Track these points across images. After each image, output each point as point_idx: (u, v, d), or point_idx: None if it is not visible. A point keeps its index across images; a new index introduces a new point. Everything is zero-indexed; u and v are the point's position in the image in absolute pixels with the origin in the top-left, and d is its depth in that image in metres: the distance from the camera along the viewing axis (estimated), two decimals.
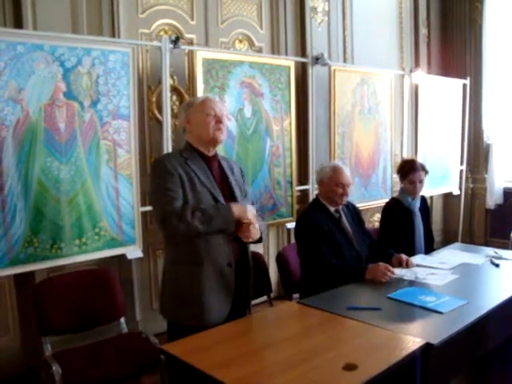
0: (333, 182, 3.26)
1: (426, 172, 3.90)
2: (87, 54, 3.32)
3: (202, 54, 3.89)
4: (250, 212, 2.52)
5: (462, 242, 6.26)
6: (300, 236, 3.26)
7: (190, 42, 4.22)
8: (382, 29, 5.90)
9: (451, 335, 2.32)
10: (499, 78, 6.53)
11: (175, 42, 3.72)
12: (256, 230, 2.52)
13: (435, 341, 2.22)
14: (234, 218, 2.46)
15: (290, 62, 4.51)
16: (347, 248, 3.25)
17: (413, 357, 2.14)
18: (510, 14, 6.38)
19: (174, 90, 4.08)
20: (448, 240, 6.20)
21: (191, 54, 4.05)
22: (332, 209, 3.31)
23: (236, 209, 2.48)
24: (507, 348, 3.37)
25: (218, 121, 2.56)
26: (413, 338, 2.23)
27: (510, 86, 6.51)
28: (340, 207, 3.35)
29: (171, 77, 3.97)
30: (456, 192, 6.51)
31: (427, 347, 2.19)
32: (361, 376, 1.89)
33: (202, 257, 2.48)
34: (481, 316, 2.56)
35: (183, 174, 2.48)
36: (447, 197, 6.77)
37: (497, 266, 3.40)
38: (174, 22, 4.15)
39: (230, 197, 2.63)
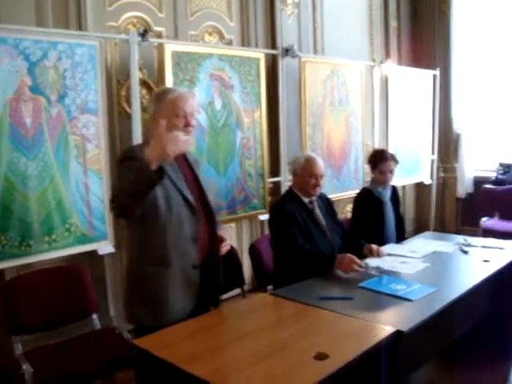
0: (306, 172, 3.27)
1: (396, 162, 3.94)
2: (53, 47, 3.26)
3: (170, 47, 3.86)
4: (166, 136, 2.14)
5: (435, 230, 6.32)
6: (274, 224, 3.27)
7: (159, 35, 4.18)
8: (352, 20, 5.92)
9: (421, 322, 2.36)
10: (468, 69, 6.62)
11: (143, 34, 3.68)
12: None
13: (405, 328, 2.25)
14: (147, 161, 2.07)
15: (259, 54, 4.50)
16: (320, 239, 3.27)
17: (383, 344, 2.17)
18: (477, 6, 6.47)
19: (144, 83, 4.04)
20: (420, 229, 6.27)
21: (160, 47, 4.02)
22: (305, 200, 3.32)
23: (148, 149, 2.12)
24: (475, 334, 3.43)
25: (187, 123, 2.42)
26: (383, 326, 2.26)
27: (479, 77, 6.61)
28: (313, 198, 3.36)
29: (140, 70, 3.93)
30: (427, 181, 6.59)
31: (397, 335, 2.22)
32: (331, 365, 1.91)
33: (169, 259, 2.41)
34: (449, 303, 2.61)
35: None
36: (419, 186, 6.85)
37: (466, 253, 3.46)
38: (143, 15, 4.10)
39: (200, 196, 2.55)
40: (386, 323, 2.30)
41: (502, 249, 3.56)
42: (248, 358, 2.00)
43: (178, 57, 3.89)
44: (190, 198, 2.46)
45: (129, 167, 2.17)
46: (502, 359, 3.71)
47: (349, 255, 2.99)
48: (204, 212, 2.54)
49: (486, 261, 3.28)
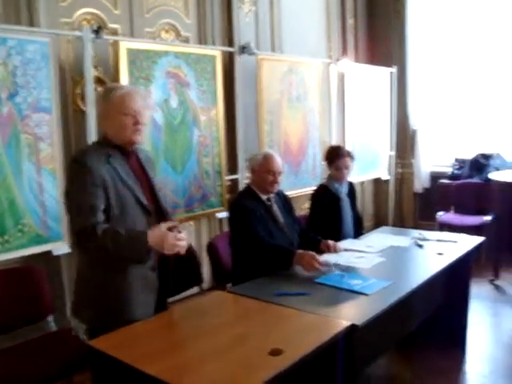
0: (264, 169, 3.27)
1: (353, 158, 3.98)
2: (2, 43, 3.18)
3: (125, 45, 3.82)
4: (170, 239, 2.24)
5: (393, 225, 6.44)
6: (234, 220, 3.27)
7: (115, 32, 4.12)
8: (309, 18, 5.96)
9: (375, 316, 2.38)
10: (424, 66, 6.74)
11: (97, 31, 3.62)
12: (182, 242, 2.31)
13: (360, 322, 2.27)
14: (147, 248, 2.23)
15: (216, 52, 4.49)
16: (279, 236, 3.27)
17: (339, 338, 2.20)
18: (432, 4, 6.59)
19: (99, 81, 3.98)
20: (379, 224, 6.35)
21: (115, 45, 3.96)
22: (264, 197, 3.32)
23: (152, 238, 2.23)
24: (431, 325, 3.51)
25: (136, 122, 2.40)
26: (338, 320, 2.29)
27: (434, 74, 6.74)
28: (271, 195, 3.36)
29: (95, 68, 3.88)
30: (385, 177, 6.69)
31: (352, 328, 2.25)
32: (286, 360, 1.92)
33: (125, 263, 2.35)
34: (404, 295, 2.65)
35: (106, 175, 2.31)
36: (377, 182, 6.95)
37: (421, 246, 3.53)
38: (97, 12, 4.04)
39: (153, 197, 2.51)
40: (342, 317, 2.32)
41: (455, 242, 3.64)
42: (204, 356, 1.99)
43: (134, 54, 3.85)
44: (143, 198, 2.42)
45: (123, 239, 2.22)
46: (456, 349, 3.82)
47: (310, 253, 2.99)
48: (158, 212, 2.50)
49: (440, 254, 3.35)
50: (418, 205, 6.98)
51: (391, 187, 6.81)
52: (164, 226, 2.28)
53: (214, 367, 1.90)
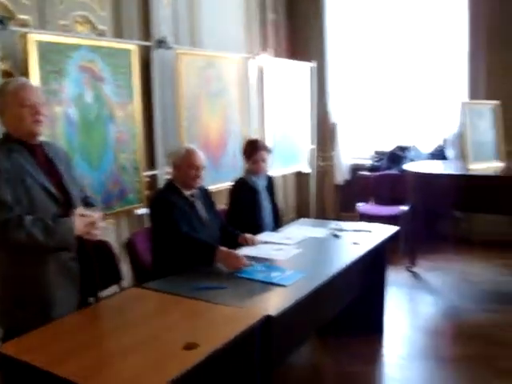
0: (186, 164, 3.24)
1: (269, 151, 4.02)
2: None
3: (34, 37, 3.67)
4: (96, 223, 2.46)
5: (316, 217, 6.54)
6: (154, 213, 3.22)
7: (24, 24, 3.94)
8: (229, 13, 5.95)
9: (291, 306, 2.42)
10: (342, 61, 6.89)
11: (2, 22, 3.47)
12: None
13: (275, 312, 2.30)
14: (74, 235, 2.37)
15: (132, 46, 4.39)
16: (202, 231, 3.25)
17: (255, 330, 2.21)
18: (350, 1, 6.75)
19: (8, 74, 3.80)
20: (302, 216, 6.41)
21: (25, 37, 3.80)
22: (186, 192, 3.29)
23: (79, 223, 2.39)
24: (350, 312, 3.61)
25: (35, 112, 2.37)
26: (255, 312, 2.30)
27: (353, 69, 6.91)
28: (194, 191, 3.33)
29: (2, 60, 3.71)
30: (306, 170, 6.79)
31: (269, 319, 2.27)
32: (200, 353, 1.92)
33: (44, 255, 2.35)
34: (319, 285, 2.71)
35: (11, 170, 2.28)
36: (299, 175, 7.04)
37: (337, 237, 3.61)
38: (4, 1, 3.85)
39: (62, 188, 2.47)
40: (258, 309, 2.34)
41: (370, 232, 3.75)
42: (117, 354, 1.98)
43: (44, 47, 3.71)
44: (52, 189, 2.40)
45: (51, 226, 2.29)
46: (374, 334, 3.95)
47: (235, 254, 2.98)
48: (68, 203, 2.47)
49: (356, 243, 3.44)
50: (339, 196, 7.13)
51: (312, 180, 6.92)
52: (78, 211, 2.38)
53: (126, 365, 1.88)
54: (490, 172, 5.16)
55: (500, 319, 4.31)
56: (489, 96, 5.90)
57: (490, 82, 6.10)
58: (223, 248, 2.99)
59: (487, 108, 5.62)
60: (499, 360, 3.62)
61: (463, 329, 4.18)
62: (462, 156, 5.41)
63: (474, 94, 6.18)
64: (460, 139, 5.57)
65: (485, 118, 5.56)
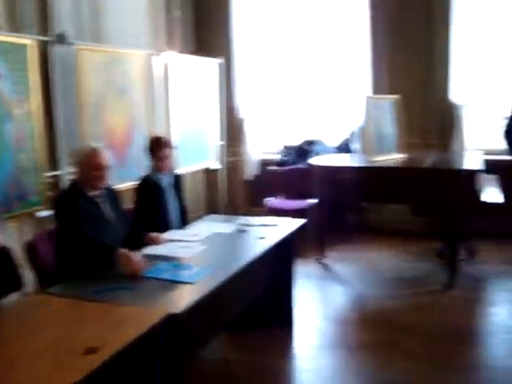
0: (90, 164, 3.12)
1: (174, 148, 4.00)
2: None
3: None
4: None
5: (226, 213, 6.57)
6: (57, 215, 3.11)
7: None
8: (134, 8, 5.83)
9: (195, 303, 2.43)
10: (250, 57, 6.96)
11: None
12: None
13: (179, 310, 2.29)
14: None
15: (28, 41, 4.21)
16: (107, 233, 3.16)
17: (158, 329, 2.20)
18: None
19: None
20: (213, 213, 6.44)
21: None
22: (91, 193, 3.18)
23: None
24: (259, 306, 3.66)
25: None
26: (158, 310, 2.28)
27: (260, 65, 6.99)
28: (99, 191, 3.23)
29: None
30: (216, 166, 6.79)
31: (173, 317, 2.26)
32: (101, 357, 1.88)
33: None
34: (224, 281, 2.72)
35: None
36: (209, 171, 7.03)
37: (244, 232, 3.64)
38: None
39: None
40: (162, 308, 2.33)
41: (277, 226, 3.82)
42: (15, 362, 1.90)
43: None
44: None
45: None
46: (285, 327, 4.02)
47: (136, 258, 2.90)
48: None
49: (262, 238, 3.50)
50: (249, 192, 7.20)
51: (222, 176, 6.93)
52: None
53: (23, 374, 1.82)
54: (390, 163, 5.39)
55: (402, 304, 4.53)
56: (391, 90, 6.17)
57: (391, 77, 6.40)
58: (123, 250, 2.91)
59: (389, 102, 5.86)
60: (403, 343, 3.81)
61: (369, 316, 4.35)
62: (366, 149, 5.60)
63: (377, 89, 6.45)
64: (363, 132, 5.77)
65: (387, 111, 5.79)
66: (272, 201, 6.35)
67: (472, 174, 4.81)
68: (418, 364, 3.52)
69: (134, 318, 2.23)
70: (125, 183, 4.68)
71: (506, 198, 4.98)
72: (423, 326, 4.07)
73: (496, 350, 3.82)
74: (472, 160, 5.30)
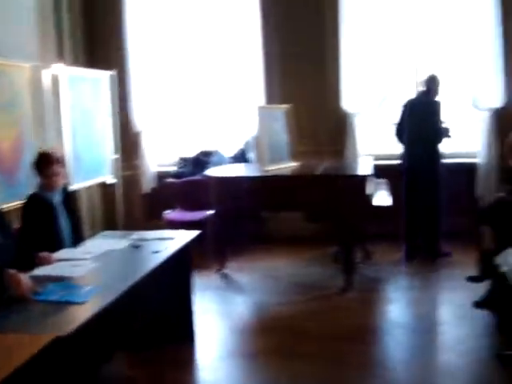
0: None
1: (63, 164, 3.86)
2: None
3: None
4: None
5: (124, 228, 6.40)
6: None
7: None
8: (19, 18, 5.60)
9: (83, 323, 2.35)
10: (145, 69, 6.87)
11: None
12: None
13: (65, 332, 2.21)
14: None
15: None
16: None
17: (45, 353, 2.10)
18: (151, 9, 6.76)
19: None
20: (110, 229, 6.28)
21: None
22: None
23: None
24: (161, 321, 3.61)
25: None
26: (42, 335, 2.18)
27: (156, 76, 6.91)
28: None
29: None
30: (111, 181, 6.60)
31: (58, 340, 2.17)
32: None
33: None
34: (115, 298, 2.66)
35: None
36: (105, 186, 6.83)
37: (137, 247, 3.59)
38: None
39: None
40: (49, 332, 2.23)
41: (173, 239, 3.79)
42: None
43: None
44: None
45: None
46: (186, 342, 3.99)
47: (26, 281, 2.75)
48: None
49: (156, 252, 3.46)
50: (147, 205, 7.08)
51: (118, 190, 6.76)
52: None
53: None
54: (283, 172, 5.51)
55: (301, 309, 4.65)
56: (284, 99, 6.33)
57: (284, 86, 6.57)
58: (11, 271, 2.75)
59: (281, 111, 6.00)
60: (302, 346, 3.92)
61: (269, 323, 4.44)
62: (260, 158, 5.69)
63: (271, 98, 6.60)
64: (257, 142, 5.87)
65: (279, 120, 5.93)
66: (170, 213, 6.30)
67: (363, 179, 5.02)
68: (317, 366, 3.63)
69: (17, 346, 2.10)
70: (13, 202, 4.48)
71: (394, 200, 5.26)
72: (321, 329, 4.20)
73: (391, 345, 4.02)
74: (363, 165, 5.54)
